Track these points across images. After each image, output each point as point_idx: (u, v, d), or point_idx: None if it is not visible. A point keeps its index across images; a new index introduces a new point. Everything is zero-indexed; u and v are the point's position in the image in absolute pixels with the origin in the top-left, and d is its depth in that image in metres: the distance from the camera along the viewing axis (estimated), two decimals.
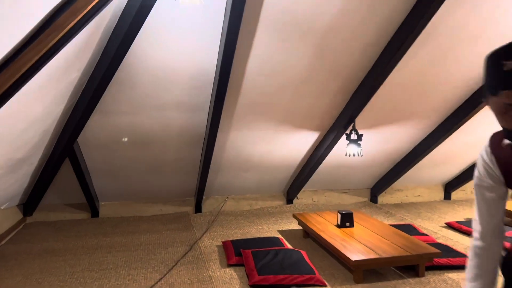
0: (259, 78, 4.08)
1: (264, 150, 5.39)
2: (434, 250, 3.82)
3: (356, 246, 3.96)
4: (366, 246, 3.95)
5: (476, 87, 4.61)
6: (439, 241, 4.77)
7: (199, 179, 5.54)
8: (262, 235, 5.06)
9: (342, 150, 5.26)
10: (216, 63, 3.81)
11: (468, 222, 5.32)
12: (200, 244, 4.74)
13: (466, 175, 6.67)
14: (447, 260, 4.01)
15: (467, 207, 6.49)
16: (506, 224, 5.29)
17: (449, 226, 5.43)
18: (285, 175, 6.09)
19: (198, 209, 6.13)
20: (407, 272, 3.89)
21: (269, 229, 5.36)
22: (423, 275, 3.82)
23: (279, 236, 5.06)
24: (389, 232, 4.36)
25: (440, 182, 6.98)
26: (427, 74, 4.32)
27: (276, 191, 6.49)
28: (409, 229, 5.05)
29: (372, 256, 3.70)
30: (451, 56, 4.11)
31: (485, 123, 5.39)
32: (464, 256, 4.11)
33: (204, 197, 6.12)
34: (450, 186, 6.98)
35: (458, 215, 6.03)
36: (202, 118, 4.59)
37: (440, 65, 4.21)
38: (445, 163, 6.33)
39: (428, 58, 4.09)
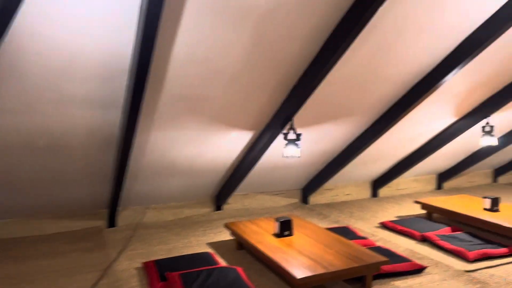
0: (186, 67, 3.43)
1: (192, 152, 4.74)
2: (381, 258, 3.53)
3: (299, 259, 3.52)
4: (310, 258, 3.53)
5: (412, 83, 4.45)
6: (378, 244, 4.57)
7: (113, 188, 4.72)
8: (190, 251, 4.42)
9: (277, 150, 4.83)
10: (132, 47, 3.09)
11: (402, 221, 5.23)
12: (116, 268, 3.96)
13: (392, 172, 6.69)
14: (392, 267, 3.77)
15: (395, 204, 6.49)
16: (437, 221, 5.35)
17: (384, 226, 5.29)
18: (214, 180, 5.50)
19: (112, 223, 5.27)
20: (354, 284, 3.56)
21: (198, 242, 4.73)
22: (370, 286, 3.51)
23: (210, 250, 4.46)
24: (330, 239, 4.01)
25: (368, 179, 6.94)
26: (368, 69, 4.04)
27: (204, 197, 5.87)
28: (346, 232, 4.80)
29: (319, 270, 3.29)
30: (393, 50, 3.87)
31: (417, 121, 5.35)
32: (407, 261, 3.92)
33: (119, 209, 5.28)
34: (377, 183, 6.97)
35: (388, 213, 5.97)
36: (115, 116, 3.80)
37: (382, 59, 3.95)
38: (374, 161, 6.25)
39: (370, 52, 3.80)
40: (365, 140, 5.27)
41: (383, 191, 7.06)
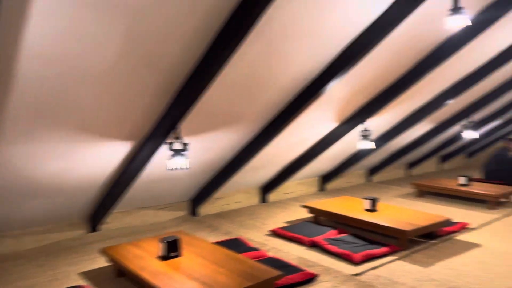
0: (43, 67, 2.80)
1: (57, 168, 4.01)
2: (275, 272, 3.36)
3: (188, 284, 3.16)
4: (200, 282, 3.19)
5: (299, 88, 4.43)
6: (270, 254, 4.44)
7: None
8: (57, 286, 3.71)
9: (161, 161, 4.38)
10: None
11: (291, 227, 5.22)
12: None
13: (280, 176, 6.73)
14: (285, 279, 3.63)
15: (283, 209, 6.52)
16: (324, 225, 5.47)
17: (274, 233, 5.21)
18: (87, 197, 4.78)
19: None
20: None
21: (68, 274, 4.01)
22: None
23: (83, 282, 3.81)
24: (222, 256, 3.72)
25: (257, 185, 6.87)
26: (256, 74, 3.87)
27: (75, 218, 5.09)
28: (238, 245, 4.59)
29: None
30: (281, 54, 3.76)
31: (302, 126, 5.40)
32: (299, 270, 3.84)
33: None
34: (266, 188, 6.95)
35: (278, 219, 5.94)
36: None
37: (270, 63, 3.82)
38: (263, 166, 6.18)
39: (258, 56, 3.64)
40: (255, 147, 5.14)
41: (272, 196, 7.06)
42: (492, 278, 3.77)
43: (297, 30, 3.51)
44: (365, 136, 5.87)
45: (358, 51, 3.78)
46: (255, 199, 6.88)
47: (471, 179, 7.09)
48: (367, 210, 5.27)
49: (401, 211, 5.30)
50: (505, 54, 5.67)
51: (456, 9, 3.23)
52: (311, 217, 5.83)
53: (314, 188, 7.77)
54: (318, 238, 4.73)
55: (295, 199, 7.17)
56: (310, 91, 4.30)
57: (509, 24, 4.94)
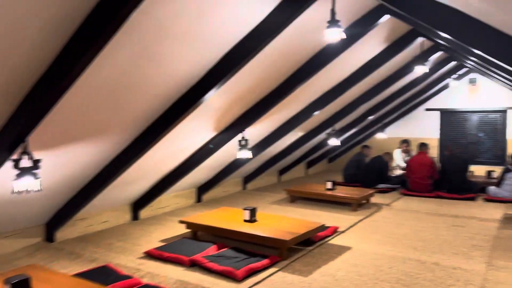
0: None
1: None
2: None
3: None
4: None
5: (177, 96, 4.07)
6: (145, 281, 3.96)
7: None
8: None
9: (6, 180, 3.55)
10: None
11: (168, 246, 4.81)
12: None
13: (154, 190, 6.23)
14: None
15: (158, 225, 6.03)
16: (203, 240, 5.16)
17: (149, 255, 4.71)
18: None
19: None
20: None
21: None
22: None
23: None
24: None
25: (127, 201, 6.23)
26: (127, 76, 3.40)
27: None
28: (106, 274, 4.01)
29: None
30: (156, 56, 3.38)
31: (179, 136, 5.05)
32: None
33: None
34: (138, 204, 6.36)
35: (152, 238, 5.43)
36: None
37: (143, 66, 3.40)
38: (135, 181, 5.61)
39: (129, 59, 3.19)
40: (125, 159, 4.59)
41: (145, 212, 6.49)
42: (366, 280, 3.97)
43: (176, 31, 3.19)
44: (243, 146, 5.79)
45: (241, 57, 3.63)
46: (125, 217, 6.22)
47: (335, 183, 7.62)
48: (246, 221, 5.16)
49: (279, 219, 5.33)
50: (363, 69, 6.23)
51: (333, 21, 3.32)
52: (189, 232, 5.49)
53: (191, 200, 7.44)
54: (198, 256, 4.42)
55: (171, 213, 6.72)
56: (190, 99, 4.00)
57: (371, 41, 5.42)
